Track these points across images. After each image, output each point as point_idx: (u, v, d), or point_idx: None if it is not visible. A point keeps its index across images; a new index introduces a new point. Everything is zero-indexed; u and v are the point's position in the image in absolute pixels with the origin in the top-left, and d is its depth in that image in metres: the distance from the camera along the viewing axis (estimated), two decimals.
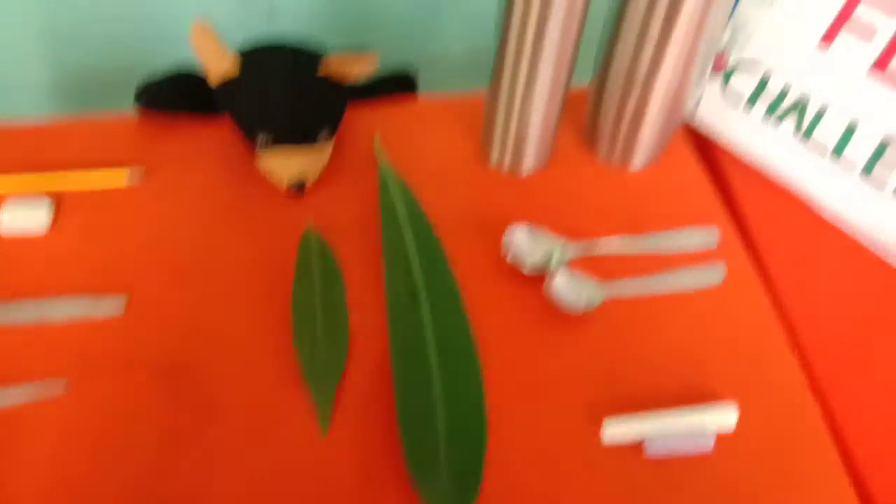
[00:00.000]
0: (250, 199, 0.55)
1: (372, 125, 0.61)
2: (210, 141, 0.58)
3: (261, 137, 0.53)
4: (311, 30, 0.76)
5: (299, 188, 0.54)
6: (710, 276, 0.52)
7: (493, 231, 0.53)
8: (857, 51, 0.51)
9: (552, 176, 0.59)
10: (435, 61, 0.79)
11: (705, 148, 0.62)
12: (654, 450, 0.43)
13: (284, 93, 0.52)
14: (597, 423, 0.44)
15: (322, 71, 0.52)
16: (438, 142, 0.61)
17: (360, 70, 0.54)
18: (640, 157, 0.59)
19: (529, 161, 0.58)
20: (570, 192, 0.58)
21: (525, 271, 0.51)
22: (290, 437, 0.43)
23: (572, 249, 0.52)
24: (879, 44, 0.50)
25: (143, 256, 0.51)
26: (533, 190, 0.58)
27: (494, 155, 0.58)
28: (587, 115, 0.59)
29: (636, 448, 0.44)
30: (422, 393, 0.45)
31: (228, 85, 0.52)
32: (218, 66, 0.52)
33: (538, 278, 0.50)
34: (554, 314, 0.49)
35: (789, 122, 0.55)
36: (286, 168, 0.53)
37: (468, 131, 0.61)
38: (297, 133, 0.53)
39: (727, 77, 0.57)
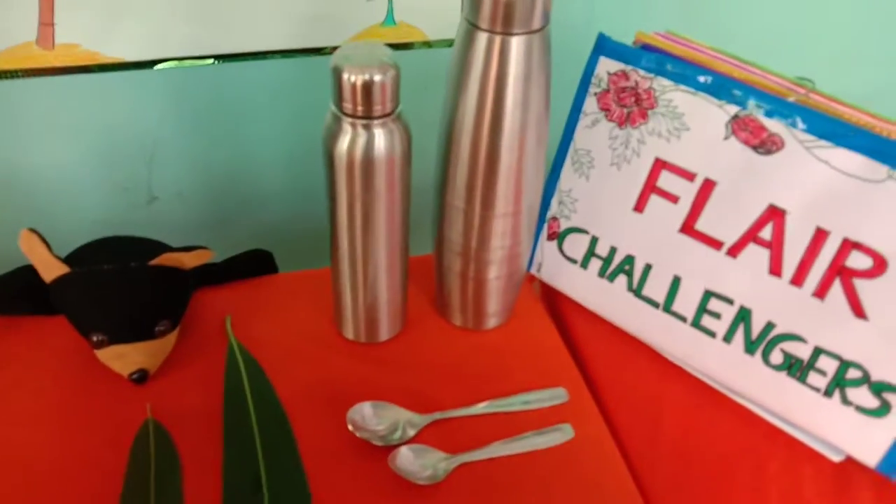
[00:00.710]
0: (90, 391, 0.54)
1: (226, 305, 0.61)
2: (53, 336, 0.57)
3: (94, 338, 0.52)
4: (189, 214, 0.78)
5: (140, 378, 0.52)
6: (558, 437, 0.52)
7: (346, 404, 0.52)
8: (667, 213, 0.55)
9: (407, 343, 0.60)
10: (312, 239, 0.82)
11: (555, 299, 0.65)
12: None
13: (116, 290, 0.52)
14: None
15: (158, 262, 0.53)
16: (294, 317, 0.61)
17: (193, 263, 0.55)
18: (490, 319, 0.61)
19: (382, 331, 0.59)
20: (425, 359, 0.58)
21: (375, 444, 0.50)
22: None
23: (421, 420, 0.52)
24: (685, 205, 0.55)
25: None
26: (387, 359, 0.58)
27: (347, 327, 0.59)
28: (435, 284, 0.62)
29: None
30: None
31: (60, 283, 0.52)
32: (48, 269, 0.52)
33: (387, 452, 0.49)
34: (401, 487, 0.48)
35: (621, 281, 0.59)
36: (124, 364, 0.52)
37: (324, 305, 0.62)
38: (132, 330, 0.52)
39: (560, 242, 0.61)
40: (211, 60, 0.65)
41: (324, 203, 0.53)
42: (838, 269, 0.49)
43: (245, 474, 0.48)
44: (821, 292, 0.50)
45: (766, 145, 0.50)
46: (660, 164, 0.55)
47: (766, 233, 0.51)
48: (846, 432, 0.51)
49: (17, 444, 0.50)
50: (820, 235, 0.49)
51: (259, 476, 0.48)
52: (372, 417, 0.51)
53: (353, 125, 0.48)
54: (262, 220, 0.81)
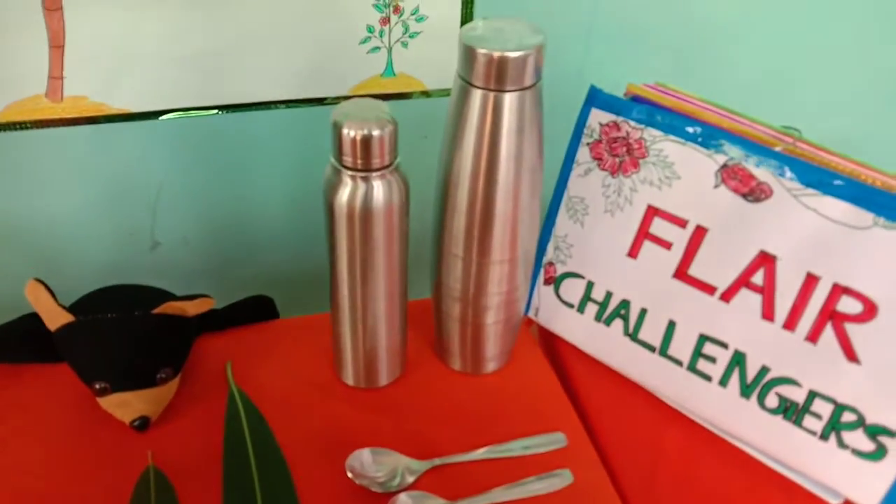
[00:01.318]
0: (93, 438, 0.54)
1: (227, 351, 0.62)
2: (56, 384, 0.58)
3: (97, 386, 0.53)
4: (193, 259, 0.79)
5: (142, 425, 0.53)
6: (557, 482, 0.53)
7: (345, 451, 0.53)
8: (660, 258, 0.56)
9: (406, 388, 0.60)
10: (314, 284, 0.83)
11: (552, 342, 0.65)
12: None
13: (119, 339, 0.53)
14: None
15: (160, 310, 0.54)
16: (294, 363, 0.62)
17: (195, 311, 0.56)
18: (489, 364, 0.61)
19: (382, 376, 0.60)
20: (424, 403, 0.59)
21: (374, 491, 0.50)
22: None
23: (420, 466, 0.53)
24: (678, 251, 0.56)
25: None
26: (386, 404, 0.59)
27: (347, 372, 0.60)
28: (434, 329, 0.62)
29: None
30: None
31: (64, 332, 0.53)
32: (53, 317, 0.53)
33: (386, 499, 0.50)
34: None
35: (617, 325, 0.60)
36: (126, 411, 0.53)
37: (324, 350, 0.62)
38: (134, 378, 0.53)
39: (556, 286, 0.62)
40: (215, 111, 0.67)
41: (324, 246, 0.54)
42: (829, 314, 0.50)
43: None
44: (813, 336, 0.51)
45: (754, 193, 0.52)
46: (652, 211, 0.56)
47: (758, 278, 0.52)
48: (844, 475, 0.51)
49: (20, 492, 0.50)
50: (810, 281, 0.50)
51: None
52: (371, 464, 0.52)
53: (353, 177, 0.49)
54: (264, 264, 0.82)
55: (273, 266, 0.82)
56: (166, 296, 0.56)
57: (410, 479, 0.51)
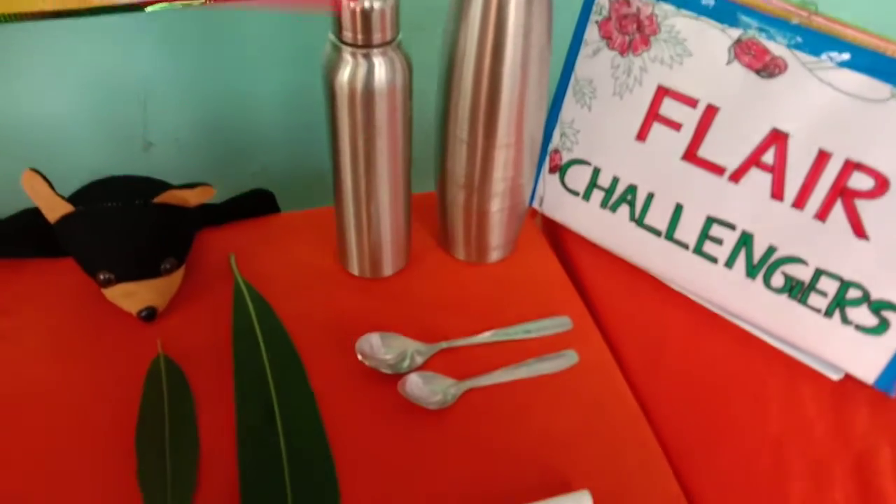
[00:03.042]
0: (100, 330, 0.54)
1: (230, 244, 0.62)
2: (60, 277, 0.57)
3: (101, 276, 0.52)
4: (187, 159, 0.78)
5: (149, 315, 0.53)
6: (563, 362, 0.53)
7: (354, 336, 0.53)
8: (669, 141, 0.55)
9: (411, 277, 0.60)
10: (312, 180, 0.81)
11: (557, 232, 0.65)
12: None
13: (121, 228, 0.52)
14: None
15: (161, 199, 0.53)
16: (298, 255, 0.61)
17: (196, 200, 0.55)
18: (493, 252, 0.61)
19: (387, 266, 0.59)
20: (430, 292, 0.59)
21: (384, 372, 0.51)
22: None
23: (428, 349, 0.53)
24: (687, 132, 0.55)
25: None
26: (392, 293, 0.59)
27: (352, 263, 0.59)
28: (438, 218, 0.62)
29: None
30: None
31: (65, 223, 0.52)
32: (53, 208, 0.52)
33: (396, 380, 0.50)
34: (411, 412, 0.49)
35: (623, 211, 0.59)
36: (132, 301, 0.53)
37: (327, 243, 0.62)
38: (138, 268, 0.52)
39: (562, 174, 0.61)
40: (201, 0, 0.64)
41: (324, 143, 0.53)
42: (840, 191, 0.50)
43: (257, 405, 0.49)
44: (822, 214, 0.51)
45: (768, 68, 0.50)
46: (662, 92, 0.55)
47: (769, 157, 0.52)
48: (845, 351, 0.52)
49: (33, 381, 0.51)
50: (822, 157, 0.50)
51: (272, 406, 0.49)
52: (380, 347, 0.52)
53: (354, 55, 0.47)
54: (260, 164, 0.80)
55: (270, 164, 0.80)
56: (166, 186, 0.54)
57: (420, 361, 0.52)
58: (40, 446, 0.47)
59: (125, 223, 0.52)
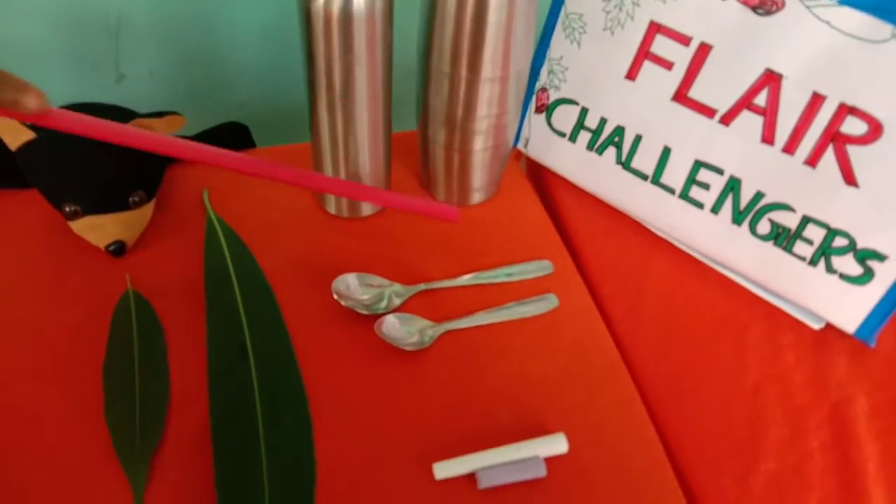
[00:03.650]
0: (67, 264, 0.52)
1: (203, 179, 0.59)
2: (24, 210, 0.55)
3: (67, 208, 0.50)
4: (160, 92, 0.75)
5: (118, 250, 0.51)
6: (543, 306, 0.53)
7: (330, 276, 0.52)
8: (660, 80, 0.53)
9: (390, 217, 0.59)
10: (291, 116, 0.79)
11: (541, 175, 0.64)
12: (486, 482, 0.42)
13: (86, 156, 0.50)
14: (429, 461, 0.43)
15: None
16: (273, 192, 0.59)
17: (164, 129, 0.52)
18: (476, 194, 0.60)
19: (366, 205, 0.58)
20: (409, 233, 0.57)
21: (360, 313, 0.50)
22: None
23: (406, 290, 0.52)
24: (679, 71, 0.53)
25: None
26: (371, 233, 0.57)
27: (330, 201, 0.58)
28: (419, 159, 0.60)
29: (470, 480, 0.43)
30: (246, 457, 0.42)
31: (27, 150, 0.49)
32: (14, 134, 0.49)
33: (372, 320, 0.49)
34: (388, 352, 0.48)
35: (610, 154, 0.57)
36: (100, 235, 0.51)
37: None
38: (105, 200, 0.50)
39: (549, 115, 0.59)
40: None
41: (299, 79, 0.50)
42: (832, 136, 0.48)
43: (230, 341, 0.48)
44: (813, 160, 0.49)
45: (765, 5, 0.48)
46: (654, 28, 0.52)
47: (761, 99, 0.50)
48: (828, 300, 0.52)
49: None
50: (816, 101, 0.48)
51: (245, 343, 0.48)
52: (357, 287, 0.51)
53: None
54: (235, 99, 0.78)
55: (245, 100, 0.77)
56: (134, 115, 0.52)
57: (398, 302, 0.51)
58: (4, 382, 0.45)
59: (89, 151, 0.50)
